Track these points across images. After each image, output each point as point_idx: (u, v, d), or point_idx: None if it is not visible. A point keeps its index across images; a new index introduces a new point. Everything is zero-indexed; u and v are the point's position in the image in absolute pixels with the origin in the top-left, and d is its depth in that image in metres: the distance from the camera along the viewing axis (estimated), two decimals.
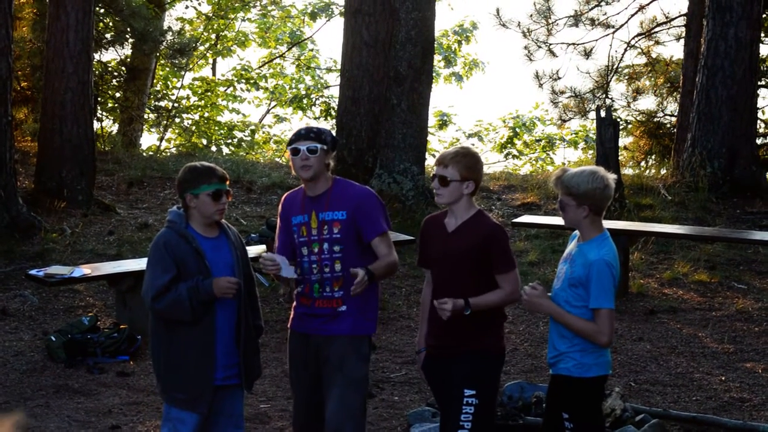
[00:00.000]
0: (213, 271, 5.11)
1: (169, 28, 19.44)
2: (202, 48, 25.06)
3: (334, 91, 23.82)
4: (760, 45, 14.59)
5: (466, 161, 5.07)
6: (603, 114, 12.55)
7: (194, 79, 25.52)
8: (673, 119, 17.73)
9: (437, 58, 24.95)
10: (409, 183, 12.90)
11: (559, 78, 17.64)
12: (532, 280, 10.22)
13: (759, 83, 15.00)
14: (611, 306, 4.84)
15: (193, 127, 24.26)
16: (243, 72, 26.00)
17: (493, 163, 24.48)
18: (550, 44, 17.20)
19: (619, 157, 13.51)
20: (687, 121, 14.88)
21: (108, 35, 17.63)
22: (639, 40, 17.96)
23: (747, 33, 13.87)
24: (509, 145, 25.42)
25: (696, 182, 13.62)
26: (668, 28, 17.95)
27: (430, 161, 15.40)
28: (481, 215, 5.13)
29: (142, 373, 7.98)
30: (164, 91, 24.06)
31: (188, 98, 24.82)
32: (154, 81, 22.56)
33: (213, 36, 25.76)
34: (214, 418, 5.25)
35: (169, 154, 21.32)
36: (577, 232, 5.06)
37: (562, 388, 4.99)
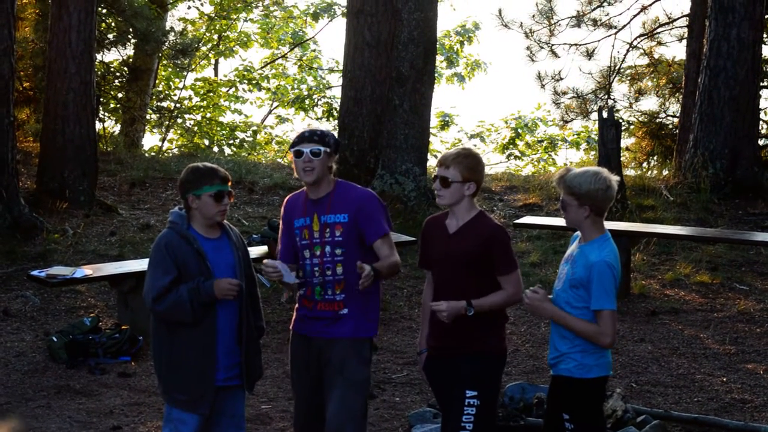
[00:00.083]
0: (214, 272, 5.11)
1: (172, 28, 19.43)
2: (204, 48, 25.07)
3: (336, 92, 23.84)
4: (763, 46, 14.57)
5: (468, 162, 5.07)
6: (605, 115, 12.54)
7: (196, 79, 25.54)
8: (676, 120, 17.71)
9: (439, 58, 24.95)
10: (411, 184, 12.89)
11: (562, 79, 17.64)
12: (534, 280, 10.26)
13: (761, 84, 14.98)
14: (613, 307, 4.85)
15: (195, 128, 24.27)
16: (245, 72, 26.01)
17: (495, 163, 24.48)
18: (553, 45, 17.19)
19: (621, 158, 13.50)
20: (689, 122, 14.86)
21: (110, 36, 17.64)
22: (641, 40, 17.94)
23: (749, 34, 13.86)
24: (511, 146, 25.41)
25: (698, 183, 13.60)
26: (670, 29, 17.94)
27: (432, 162, 15.39)
28: (482, 216, 5.12)
29: (144, 373, 7.98)
30: (166, 92, 24.07)
31: (190, 99, 24.83)
32: (157, 81, 22.57)
33: (215, 36, 25.77)
34: (215, 419, 5.26)
35: (171, 154, 21.32)
36: (578, 233, 5.06)
37: (563, 388, 4.99)
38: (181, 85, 24.57)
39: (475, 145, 24.89)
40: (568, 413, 4.94)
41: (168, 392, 5.21)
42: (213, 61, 26.89)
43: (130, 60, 19.15)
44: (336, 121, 16.53)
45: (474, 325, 5.00)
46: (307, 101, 25.66)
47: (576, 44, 17.30)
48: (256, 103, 26.66)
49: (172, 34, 18.56)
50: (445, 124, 25.68)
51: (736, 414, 7.30)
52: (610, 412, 6.53)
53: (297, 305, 5.33)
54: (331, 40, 49.05)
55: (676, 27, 17.79)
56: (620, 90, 18.59)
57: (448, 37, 26.60)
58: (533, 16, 17.07)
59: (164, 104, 23.26)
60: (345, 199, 5.20)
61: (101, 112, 18.03)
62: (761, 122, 15.76)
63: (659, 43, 18.26)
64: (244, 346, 5.22)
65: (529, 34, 17.06)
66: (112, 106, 19.82)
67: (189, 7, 24.54)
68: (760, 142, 15.28)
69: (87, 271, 8.71)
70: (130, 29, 16.96)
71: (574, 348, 4.91)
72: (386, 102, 13.26)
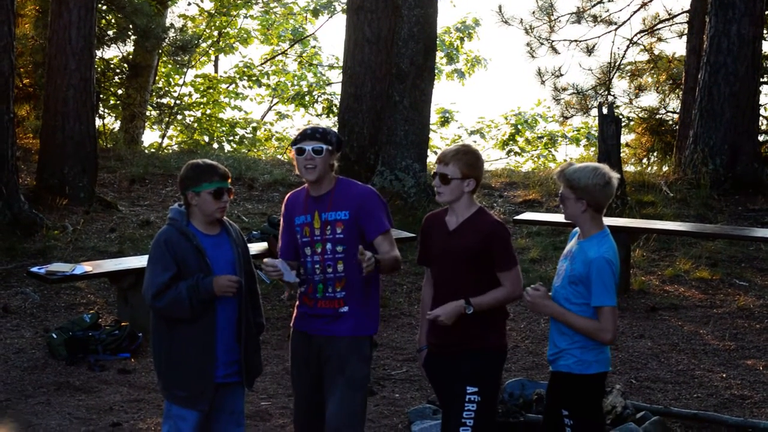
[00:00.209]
0: (214, 269, 5.11)
1: (172, 24, 19.41)
2: (204, 45, 25.06)
3: (336, 88, 23.84)
4: (763, 42, 14.57)
5: (467, 159, 5.06)
6: (605, 111, 12.55)
7: (196, 76, 25.53)
8: (676, 116, 17.71)
9: (439, 54, 24.95)
10: (410, 180, 12.89)
11: (562, 75, 17.65)
12: (534, 276, 10.26)
13: (761, 80, 14.98)
14: (613, 303, 4.85)
15: (195, 124, 24.26)
16: (245, 69, 26.00)
17: (494, 160, 24.47)
18: (553, 41, 17.19)
19: (621, 154, 13.50)
20: (689, 118, 14.86)
21: (110, 32, 17.63)
22: (641, 36, 17.93)
23: (749, 30, 13.86)
24: (511, 142, 25.42)
25: (698, 179, 13.61)
26: (671, 25, 17.94)
27: (432, 158, 15.39)
28: (482, 213, 5.12)
29: (144, 370, 7.98)
30: (166, 88, 24.05)
31: (190, 95, 24.81)
32: (156, 78, 22.56)
33: (215, 33, 25.75)
34: (215, 416, 5.26)
35: (171, 151, 21.30)
36: (577, 229, 5.06)
37: (563, 385, 4.99)
38: (181, 82, 24.55)
39: (475, 142, 24.92)
40: (567, 409, 4.95)
41: (167, 389, 5.21)
42: (213, 57, 26.88)
43: (130, 56, 19.15)
44: (336, 118, 16.54)
45: (474, 321, 5.00)
46: (307, 98, 25.65)
47: (576, 40, 17.31)
48: (256, 99, 26.69)
49: (172, 30, 18.55)
50: (445, 121, 25.68)
51: (736, 410, 7.30)
52: (610, 408, 6.54)
53: (297, 303, 5.32)
54: (331, 36, 49.13)
55: (677, 23, 17.80)
56: (620, 86, 18.65)
57: (448, 34, 26.60)
58: (533, 12, 17.08)
59: (164, 101, 23.25)
60: (346, 196, 5.19)
61: (101, 108, 18.03)
62: (761, 118, 15.76)
63: (659, 39, 18.27)
64: (244, 342, 5.22)
65: (529, 31, 17.06)
66: (112, 102, 19.82)
67: (189, 4, 24.64)
68: (760, 138, 15.28)
69: (87, 267, 8.70)
70: (130, 26, 16.96)
71: (574, 344, 4.92)
72: (386, 98, 13.26)
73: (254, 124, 25.66)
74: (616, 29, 17.38)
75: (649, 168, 17.38)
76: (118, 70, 19.35)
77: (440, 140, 25.17)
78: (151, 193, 13.63)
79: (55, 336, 8.32)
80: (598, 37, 17.44)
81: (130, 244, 11.23)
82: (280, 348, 8.47)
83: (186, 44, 18.75)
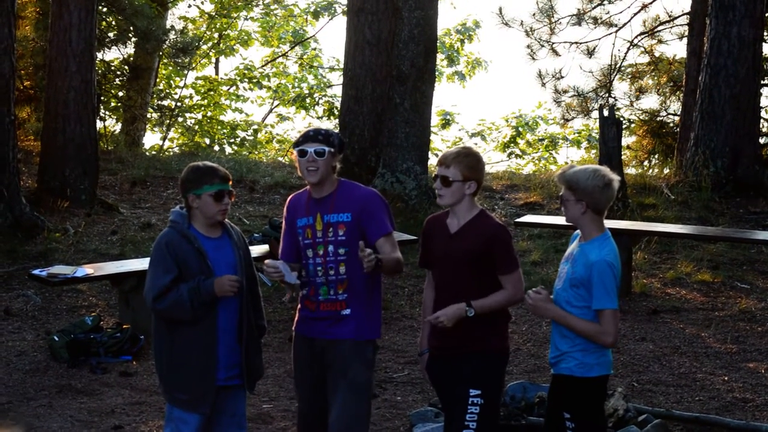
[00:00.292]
0: (215, 272, 5.10)
1: (172, 27, 19.43)
2: (204, 47, 25.08)
3: (337, 90, 23.84)
4: (764, 44, 14.56)
5: (468, 161, 5.05)
6: (606, 113, 12.54)
7: (197, 78, 25.56)
8: (676, 118, 17.70)
9: (440, 56, 24.95)
10: (411, 182, 12.89)
11: (562, 77, 17.65)
12: (535, 279, 10.26)
13: (762, 82, 14.98)
14: (615, 306, 4.84)
15: (196, 127, 24.28)
16: (246, 71, 26.01)
17: (495, 162, 24.49)
18: (553, 43, 17.19)
19: (622, 157, 13.50)
20: (690, 120, 14.86)
21: (111, 34, 17.65)
22: (642, 38, 17.94)
23: (750, 32, 13.85)
24: (512, 145, 25.42)
25: (699, 182, 13.60)
26: (671, 27, 17.94)
27: (433, 161, 15.38)
28: (483, 216, 5.11)
29: (145, 373, 7.98)
30: (167, 90, 24.08)
31: (191, 97, 24.84)
32: (157, 80, 22.58)
33: (216, 35, 25.77)
34: (216, 418, 5.26)
35: (172, 153, 21.32)
36: (578, 231, 5.06)
37: (564, 388, 4.98)
38: (181, 84, 24.58)
39: (476, 144, 24.91)
40: (569, 412, 4.94)
41: (169, 391, 5.21)
42: (214, 59, 26.90)
43: (131, 58, 19.15)
44: (337, 120, 16.55)
45: (476, 324, 4.99)
46: (307, 100, 25.66)
47: (577, 42, 17.31)
48: (256, 101, 26.70)
49: (173, 32, 18.56)
50: (446, 123, 25.68)
51: (738, 413, 7.30)
52: (612, 411, 6.53)
53: (299, 306, 5.31)
54: (331, 38, 49.16)
55: (677, 25, 17.80)
56: (621, 88, 18.61)
57: (449, 36, 26.60)
58: (534, 14, 17.08)
59: (165, 103, 23.27)
60: (348, 198, 5.18)
61: (102, 110, 18.04)
62: (762, 120, 15.76)
63: (660, 42, 18.27)
64: (245, 345, 5.22)
65: (530, 33, 17.06)
66: (112, 104, 19.84)
67: (189, 6, 24.62)
68: (761, 141, 15.29)
69: (88, 270, 8.71)
70: (131, 28, 16.97)
71: (575, 347, 4.91)
72: (387, 100, 13.26)
73: (255, 127, 25.68)
74: (616, 31, 17.39)
75: (650, 170, 17.39)
76: (118, 73, 19.36)
77: (441, 142, 25.20)
78: (152, 196, 13.63)
79: (56, 338, 8.32)
80: (599, 39, 17.46)
81: (131, 247, 11.23)
82: (281, 350, 8.46)
83: (186, 46, 18.76)
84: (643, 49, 18.23)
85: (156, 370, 5.34)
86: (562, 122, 19.56)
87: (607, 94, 17.83)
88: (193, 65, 24.11)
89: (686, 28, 16.95)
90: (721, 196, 13.45)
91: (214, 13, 25.10)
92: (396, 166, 12.95)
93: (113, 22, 17.67)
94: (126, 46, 18.20)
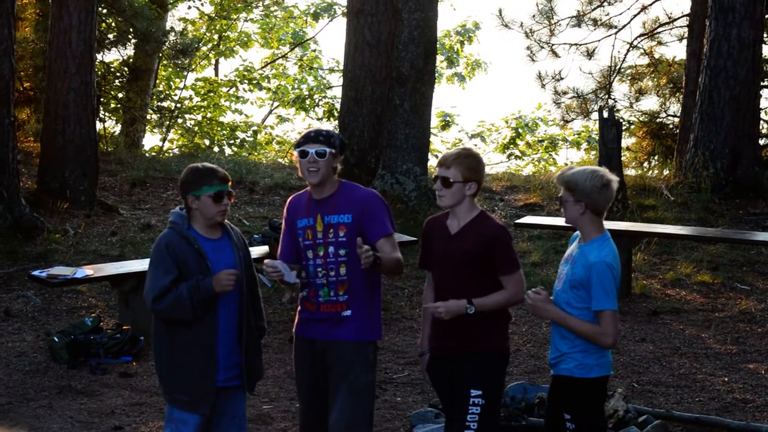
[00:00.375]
0: (215, 273, 5.10)
1: (172, 28, 19.44)
2: (204, 48, 25.08)
3: (337, 92, 23.85)
4: (763, 45, 14.57)
5: (468, 162, 5.06)
6: (606, 115, 12.54)
7: (197, 79, 25.55)
8: (676, 120, 17.71)
9: (440, 58, 24.96)
10: (411, 184, 12.89)
11: (562, 78, 17.64)
12: (535, 280, 10.25)
13: (762, 84, 14.98)
14: (614, 307, 4.84)
15: (196, 128, 24.28)
16: (245, 72, 26.02)
17: (495, 163, 24.49)
18: (553, 45, 17.20)
19: (622, 158, 13.50)
20: (690, 121, 14.86)
21: (110, 36, 17.65)
22: (642, 40, 17.94)
23: (750, 33, 13.86)
24: (512, 146, 25.43)
25: (699, 183, 13.61)
26: (671, 29, 17.94)
27: (432, 162, 15.39)
28: (483, 216, 5.11)
29: (145, 373, 7.98)
30: (167, 92, 24.08)
31: (191, 99, 24.84)
32: (157, 81, 22.58)
33: (215, 36, 25.78)
34: (216, 419, 5.25)
35: (171, 154, 21.33)
36: (578, 233, 5.06)
37: (564, 388, 4.98)
38: (181, 85, 24.58)
39: (476, 145, 24.91)
40: (569, 413, 4.94)
41: (169, 392, 5.21)
42: (213, 61, 26.91)
43: (131, 60, 19.17)
44: (337, 121, 16.55)
45: (476, 324, 4.99)
46: (307, 101, 25.67)
47: (576, 44, 17.31)
48: (256, 103, 26.69)
49: (173, 34, 18.57)
50: (445, 124, 25.69)
51: (738, 414, 7.30)
52: (612, 412, 6.53)
53: (299, 308, 5.30)
54: (331, 40, 49.18)
55: (677, 27, 17.80)
56: (621, 90, 18.61)
57: (449, 37, 26.61)
58: (533, 15, 17.09)
59: (165, 104, 23.28)
60: (349, 199, 5.17)
61: (102, 112, 18.05)
62: (762, 122, 15.77)
63: (659, 43, 18.27)
64: (245, 346, 5.21)
65: (530, 34, 17.07)
66: (112, 106, 19.84)
67: (189, 7, 24.58)
68: (761, 142, 15.29)
69: (88, 271, 8.71)
70: (131, 29, 16.98)
71: (575, 348, 4.91)
72: (387, 102, 13.26)
73: (255, 128, 25.70)
74: (616, 33, 17.39)
75: (650, 172, 17.38)
76: (118, 74, 19.38)
77: (441, 144, 25.20)
78: (151, 197, 13.63)
79: (56, 339, 8.32)
80: (599, 40, 17.46)
81: (131, 248, 11.23)
82: (281, 351, 8.46)
83: (186, 48, 18.77)
84: (642, 51, 18.24)
85: (156, 371, 5.34)
86: (562, 123, 19.57)
87: (606, 96, 17.83)
88: (193, 67, 24.12)
89: (686, 29, 16.96)
90: (720, 198, 13.45)
91: (213, 15, 25.10)
92: (396, 168, 12.95)
93: (113, 24, 17.68)
94: (126, 48, 18.23)
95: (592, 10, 17.29)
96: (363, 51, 13.75)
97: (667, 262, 11.39)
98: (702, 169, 13.70)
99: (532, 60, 17.28)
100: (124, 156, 15.76)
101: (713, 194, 13.44)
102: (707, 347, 8.88)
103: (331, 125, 23.61)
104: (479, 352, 5.03)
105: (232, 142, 24.71)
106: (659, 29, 17.90)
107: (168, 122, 22.95)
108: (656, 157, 18.25)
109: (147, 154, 18.94)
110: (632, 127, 18.83)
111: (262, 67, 26.56)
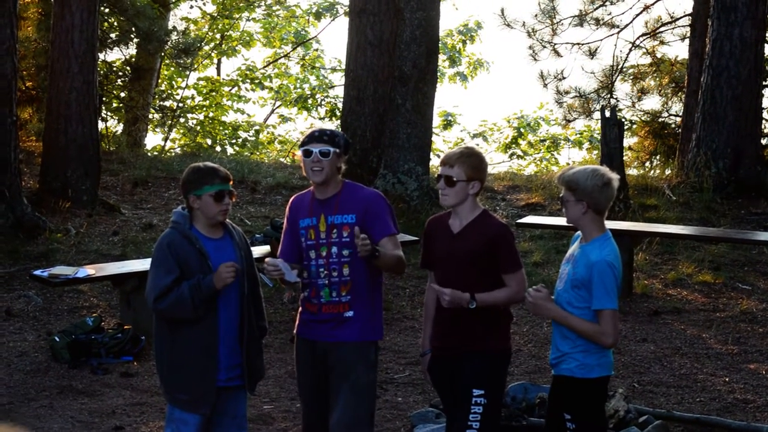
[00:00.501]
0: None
1: (174, 27, 19.46)
2: (206, 48, 25.08)
3: (339, 91, 23.85)
4: (766, 45, 14.56)
5: (472, 161, 5.06)
6: (608, 114, 12.54)
7: (199, 79, 25.56)
8: (678, 119, 17.70)
9: (442, 57, 24.94)
10: (413, 183, 12.89)
11: (564, 78, 17.64)
12: (537, 280, 10.25)
13: (764, 83, 14.98)
14: (614, 307, 4.83)
15: (198, 127, 24.29)
16: (248, 72, 26.02)
17: (497, 163, 24.49)
18: (555, 44, 17.19)
19: (624, 158, 13.49)
20: (692, 121, 14.86)
21: (113, 35, 17.67)
22: (644, 39, 17.94)
23: (752, 33, 13.85)
24: (514, 146, 25.43)
25: (701, 183, 13.60)
26: (673, 28, 17.94)
27: (434, 161, 15.40)
28: (486, 215, 5.12)
29: (146, 373, 7.98)
30: (169, 91, 24.09)
31: (193, 98, 24.85)
32: (159, 81, 22.59)
33: (218, 36, 25.78)
34: (217, 419, 5.25)
35: (173, 154, 21.34)
36: (579, 233, 5.06)
37: (565, 388, 4.98)
38: (183, 85, 24.59)
39: (478, 145, 24.90)
40: (570, 413, 4.94)
41: (170, 392, 5.21)
42: (215, 60, 26.90)
43: (133, 59, 19.18)
44: (338, 121, 16.55)
45: (478, 324, 4.99)
46: (309, 101, 25.67)
47: (578, 43, 17.31)
48: (258, 102, 26.70)
49: (175, 33, 18.59)
50: (447, 124, 25.69)
51: (739, 414, 7.29)
52: (613, 412, 6.53)
53: (300, 309, 5.30)
54: (333, 39, 49.16)
55: (679, 26, 17.80)
56: (623, 89, 18.61)
57: (451, 37, 26.61)
58: (536, 15, 17.08)
59: (167, 103, 23.28)
60: (353, 199, 5.17)
61: (104, 111, 18.07)
62: (764, 121, 15.76)
63: (662, 43, 18.27)
64: (246, 346, 5.21)
65: (532, 34, 17.06)
66: (114, 105, 19.86)
67: (191, 7, 24.61)
68: (763, 142, 15.29)
69: (89, 270, 8.71)
70: (133, 28, 16.99)
71: (576, 348, 4.91)
72: (389, 101, 13.26)
73: (257, 127, 25.70)
74: (618, 32, 17.38)
75: (652, 171, 17.38)
76: (120, 73, 19.38)
77: (443, 143, 25.22)
78: (153, 196, 13.63)
79: (57, 339, 8.32)
80: (601, 40, 17.45)
81: (132, 247, 11.24)
82: (282, 351, 8.46)
83: (188, 47, 18.79)
84: (645, 50, 18.24)
85: (157, 371, 5.34)
86: (564, 123, 19.58)
87: (608, 95, 17.82)
88: (195, 66, 24.12)
89: (688, 29, 16.95)
90: (722, 197, 13.44)
91: (216, 14, 25.11)
92: (398, 167, 12.95)
93: (115, 23, 17.69)
94: (128, 47, 18.24)
95: (595, 9, 17.29)
96: (365, 50, 13.75)
97: (669, 261, 11.38)
98: (704, 169, 13.70)
99: (535, 59, 17.28)
100: (126, 155, 15.77)
101: (715, 194, 13.43)
102: (708, 347, 8.88)
103: (333, 125, 23.61)
104: (481, 351, 5.03)
105: (234, 141, 24.72)
106: (661, 29, 17.90)
107: (170, 121, 22.96)
108: (658, 157, 18.25)
109: (149, 154, 18.94)
110: (634, 126, 18.83)
111: (264, 67, 26.56)
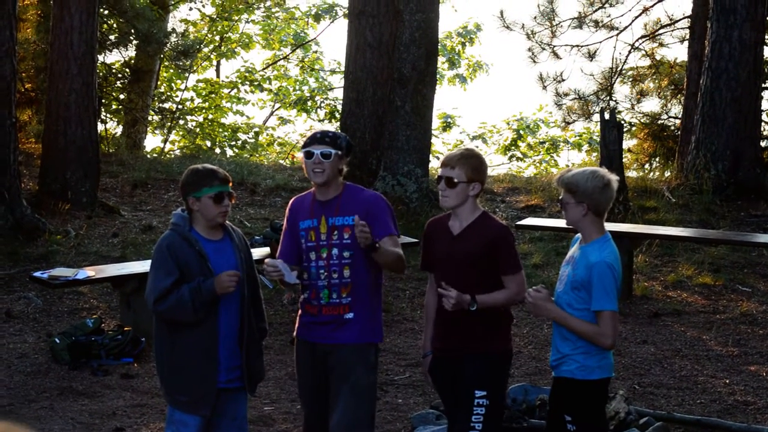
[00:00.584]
0: (216, 274, 5.09)
1: (173, 29, 19.46)
2: (206, 50, 25.09)
3: (338, 93, 23.86)
4: (765, 47, 14.57)
5: (472, 162, 5.06)
6: (607, 116, 12.54)
7: (198, 80, 25.58)
8: (677, 121, 17.70)
9: (441, 59, 24.97)
10: (413, 185, 12.89)
11: (563, 80, 17.63)
12: (536, 282, 10.24)
13: (763, 85, 14.98)
14: (614, 308, 4.83)
15: (197, 129, 24.29)
16: (247, 74, 26.03)
17: (497, 165, 24.50)
18: (554, 46, 17.19)
19: (623, 160, 13.50)
20: (691, 123, 14.86)
21: (112, 37, 17.66)
22: (643, 42, 17.93)
23: (751, 35, 13.85)
24: (513, 147, 25.44)
25: (700, 185, 13.60)
26: (672, 30, 17.93)
27: (434, 163, 15.40)
28: (486, 217, 5.12)
29: (146, 375, 7.98)
30: (168, 93, 24.10)
31: (192, 100, 24.86)
32: (158, 83, 22.59)
33: (217, 38, 25.79)
34: (217, 421, 5.25)
35: (173, 156, 21.34)
36: (579, 235, 5.06)
37: (565, 390, 4.98)
38: (182, 87, 24.60)
39: (477, 147, 24.89)
40: (570, 415, 4.94)
41: (170, 394, 5.21)
42: (215, 62, 26.92)
43: (132, 61, 19.18)
44: (338, 123, 16.55)
45: (479, 325, 4.99)
46: (309, 102, 25.68)
47: (578, 45, 17.30)
48: (258, 104, 26.71)
49: (174, 35, 18.59)
50: (447, 126, 25.70)
51: (739, 416, 7.29)
52: (613, 414, 6.53)
53: (300, 311, 5.29)
54: (332, 41, 49.15)
55: (678, 28, 17.79)
56: (622, 91, 18.60)
57: (450, 39, 26.63)
58: (535, 17, 17.07)
59: (166, 105, 23.29)
60: (354, 201, 5.17)
61: (103, 113, 18.05)
62: (763, 123, 15.76)
63: (661, 45, 18.26)
64: (246, 347, 5.21)
65: (531, 36, 17.06)
66: (113, 107, 19.85)
67: (190, 9, 24.59)
68: (762, 144, 15.27)
69: (89, 272, 8.71)
70: (132, 30, 16.98)
71: (577, 350, 4.91)
72: (388, 103, 13.26)
73: (256, 129, 25.70)
74: (617, 34, 17.38)
75: (651, 173, 17.38)
76: (120, 75, 19.39)
77: (442, 145, 25.22)
78: (153, 198, 13.63)
79: (57, 341, 8.32)
80: (600, 42, 17.45)
81: (132, 249, 11.24)
82: (282, 353, 8.46)
83: (188, 49, 18.79)
84: (644, 53, 18.23)
85: (157, 373, 5.34)
86: (563, 125, 19.57)
87: (608, 97, 17.82)
88: (194, 68, 24.13)
89: (687, 31, 16.95)
90: (722, 199, 13.44)
91: (215, 16, 25.12)
92: (397, 169, 12.95)
93: (114, 25, 17.68)
94: (127, 49, 18.24)
95: (594, 11, 17.28)
96: (364, 52, 13.76)
97: (669, 263, 11.38)
98: (703, 171, 13.70)
99: (534, 61, 17.27)
100: (125, 157, 15.76)
101: (714, 196, 13.44)
102: (708, 349, 8.88)
103: (332, 127, 23.62)
104: (482, 353, 5.03)
105: (233, 143, 24.73)
106: (660, 31, 17.90)
107: (169, 123, 22.96)
108: (657, 159, 18.24)
109: (148, 156, 18.94)
110: (633, 128, 18.82)
111: (264, 69, 26.57)
